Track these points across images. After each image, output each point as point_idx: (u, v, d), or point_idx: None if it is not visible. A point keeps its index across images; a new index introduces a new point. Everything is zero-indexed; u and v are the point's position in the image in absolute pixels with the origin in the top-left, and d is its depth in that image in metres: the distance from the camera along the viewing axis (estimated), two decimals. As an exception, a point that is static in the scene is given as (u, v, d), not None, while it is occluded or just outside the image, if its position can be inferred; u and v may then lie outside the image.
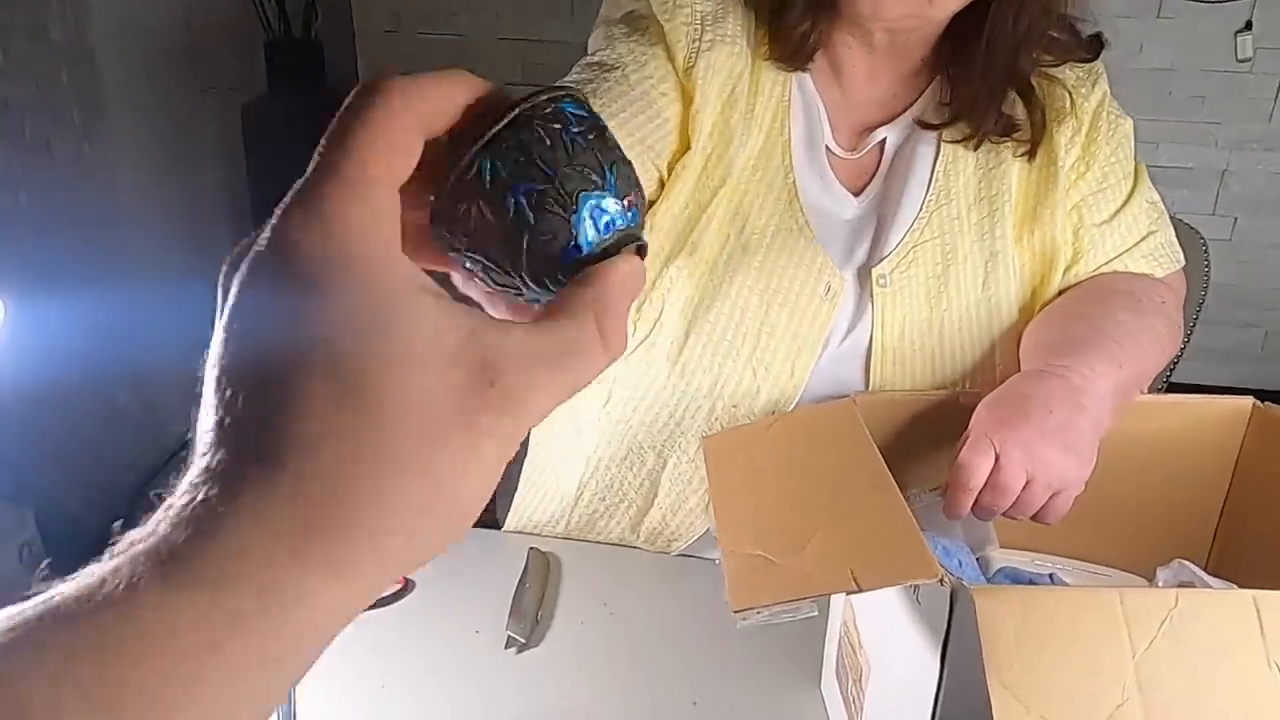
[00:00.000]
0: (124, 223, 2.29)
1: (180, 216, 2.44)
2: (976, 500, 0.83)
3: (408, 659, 1.04)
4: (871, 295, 1.04)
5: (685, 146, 1.03)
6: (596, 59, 1.00)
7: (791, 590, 0.68)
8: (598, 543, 1.25)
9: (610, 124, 0.37)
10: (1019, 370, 1.06)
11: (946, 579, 0.64)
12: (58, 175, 2.28)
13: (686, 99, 1.02)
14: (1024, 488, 0.83)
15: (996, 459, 0.83)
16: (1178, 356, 1.16)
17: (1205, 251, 1.64)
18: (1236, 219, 2.09)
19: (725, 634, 1.09)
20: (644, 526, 1.20)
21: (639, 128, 0.99)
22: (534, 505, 1.28)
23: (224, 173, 2.45)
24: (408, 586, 1.14)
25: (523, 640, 1.06)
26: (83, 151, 2.34)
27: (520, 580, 1.14)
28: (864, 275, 1.04)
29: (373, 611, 1.10)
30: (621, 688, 1.01)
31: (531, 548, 1.21)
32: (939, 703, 0.67)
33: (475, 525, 1.14)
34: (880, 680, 0.78)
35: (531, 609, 1.10)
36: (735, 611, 0.71)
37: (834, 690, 0.94)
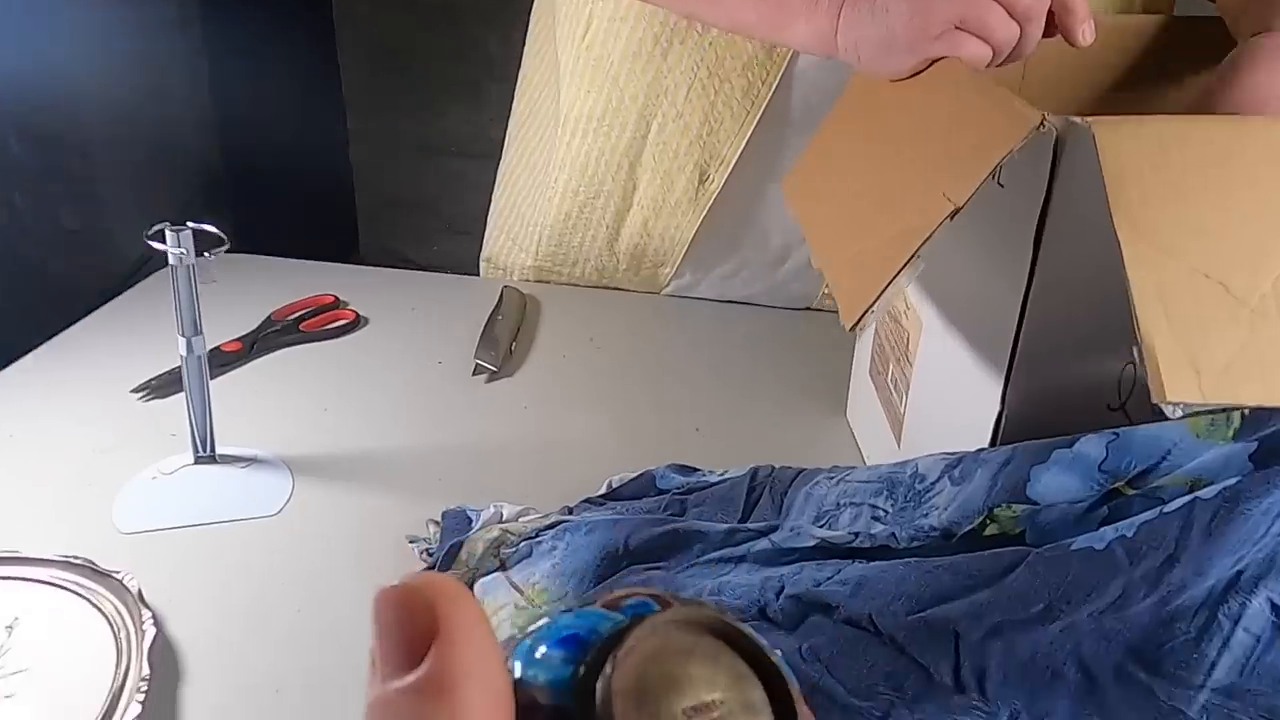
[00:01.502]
0: (63, 33, 2.05)
1: (124, 16, 2.19)
2: None
3: (354, 385, 0.88)
4: None
5: None
6: None
7: (893, 262, 0.51)
8: (575, 284, 1.08)
9: None
10: None
11: (1048, 121, 0.47)
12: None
13: None
14: None
15: None
16: None
17: None
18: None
19: (730, 367, 0.93)
20: (623, 240, 1.03)
21: None
22: (510, 217, 1.11)
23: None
24: (358, 321, 0.98)
25: (493, 369, 0.89)
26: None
27: (491, 314, 0.98)
28: None
29: (317, 344, 0.94)
30: (611, 415, 0.85)
31: (506, 285, 1.04)
32: (1030, 296, 0.50)
33: (444, 272, 0.95)
34: (938, 332, 0.62)
35: (504, 340, 0.93)
36: (850, 329, 0.54)
37: (866, 397, 0.78)
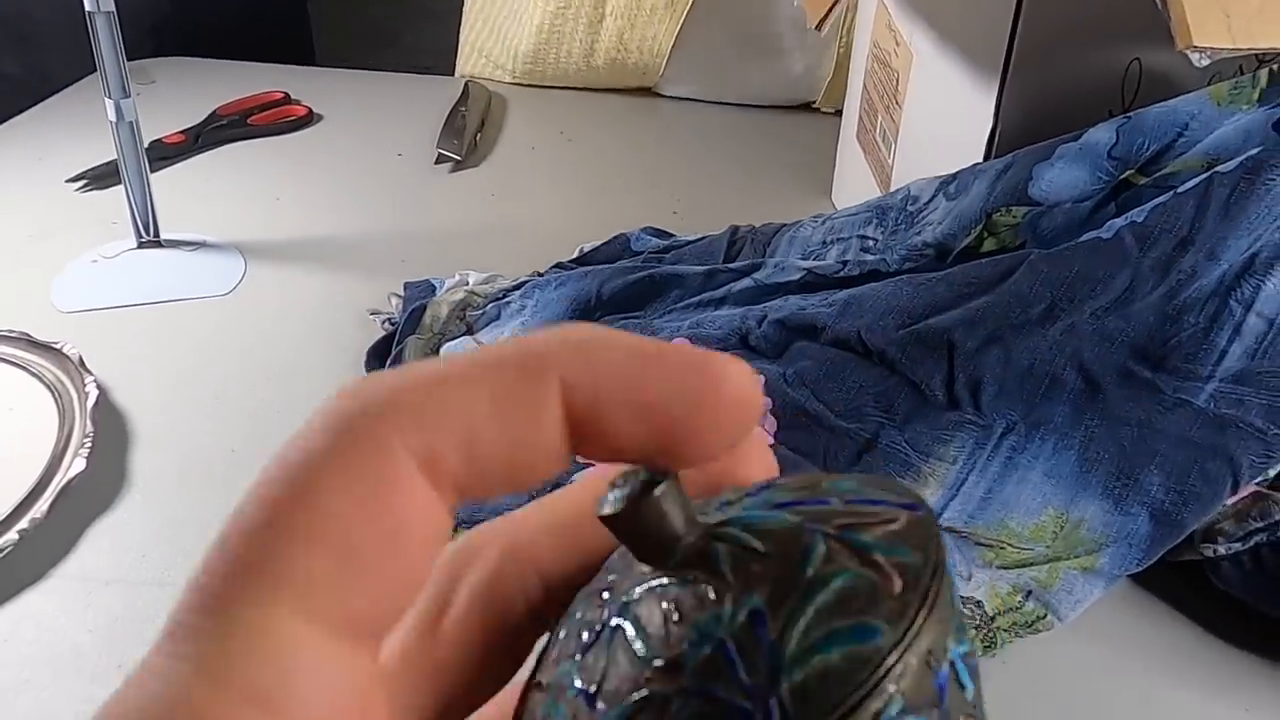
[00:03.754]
0: None
1: None
2: None
3: (308, 175, 0.82)
4: None
5: None
6: None
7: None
8: (553, 86, 1.01)
9: None
10: None
11: None
12: None
13: None
14: None
15: None
16: None
17: None
18: None
19: (713, 158, 0.88)
20: (599, 54, 0.96)
21: None
22: (484, 33, 1.03)
23: None
24: (311, 117, 0.92)
25: (457, 158, 0.84)
26: None
27: (454, 106, 0.92)
28: None
29: (267, 139, 0.88)
30: (583, 200, 0.80)
31: (469, 81, 0.98)
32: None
33: (402, 71, 0.87)
34: (929, 57, 0.57)
35: (468, 131, 0.88)
36: (815, 26, 0.48)
37: (852, 167, 0.73)
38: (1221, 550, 0.44)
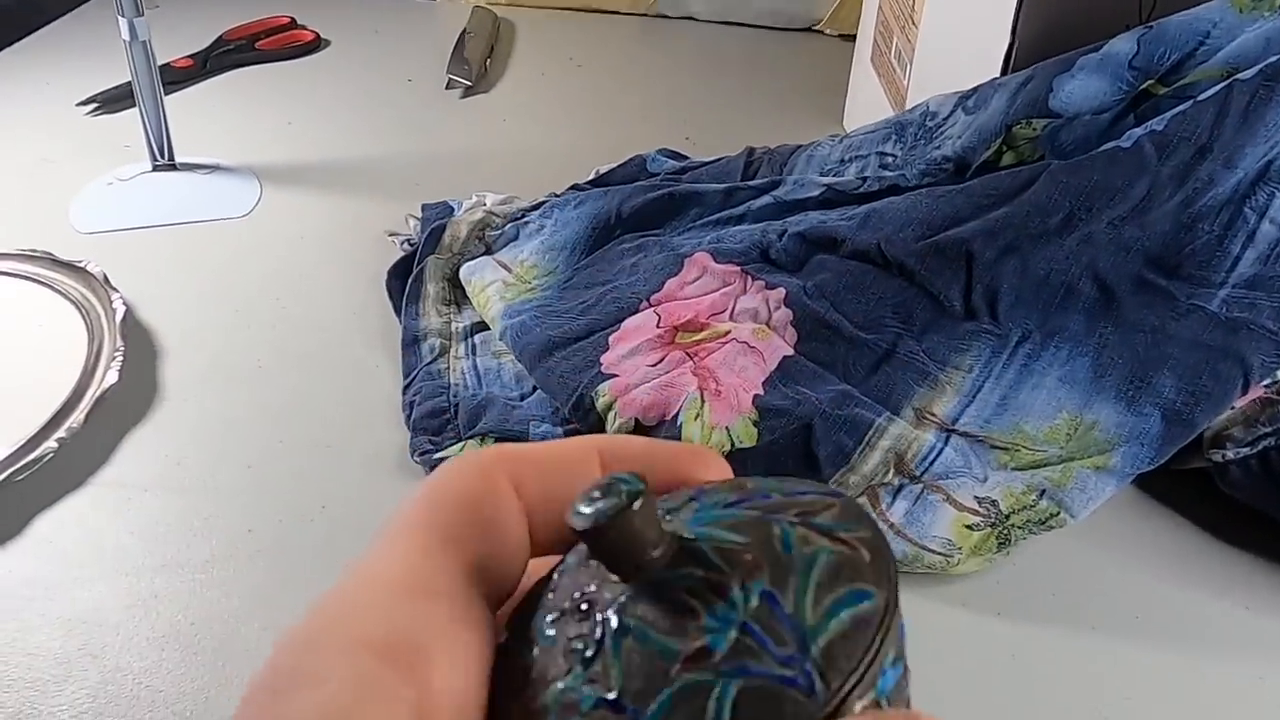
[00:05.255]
0: None
1: None
2: None
3: (319, 100, 0.82)
4: None
5: None
6: None
7: None
8: (558, 8, 1.00)
9: None
10: None
11: None
12: None
13: None
14: None
15: None
16: None
17: None
18: None
19: (724, 83, 0.88)
20: None
21: None
22: None
23: None
24: (319, 42, 0.91)
25: (467, 83, 0.84)
26: None
27: (462, 33, 0.91)
28: None
29: (276, 64, 0.88)
30: (596, 126, 0.80)
31: (476, 6, 0.97)
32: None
33: None
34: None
35: (477, 57, 0.87)
36: None
37: (866, 92, 0.73)
38: (1230, 455, 0.45)
